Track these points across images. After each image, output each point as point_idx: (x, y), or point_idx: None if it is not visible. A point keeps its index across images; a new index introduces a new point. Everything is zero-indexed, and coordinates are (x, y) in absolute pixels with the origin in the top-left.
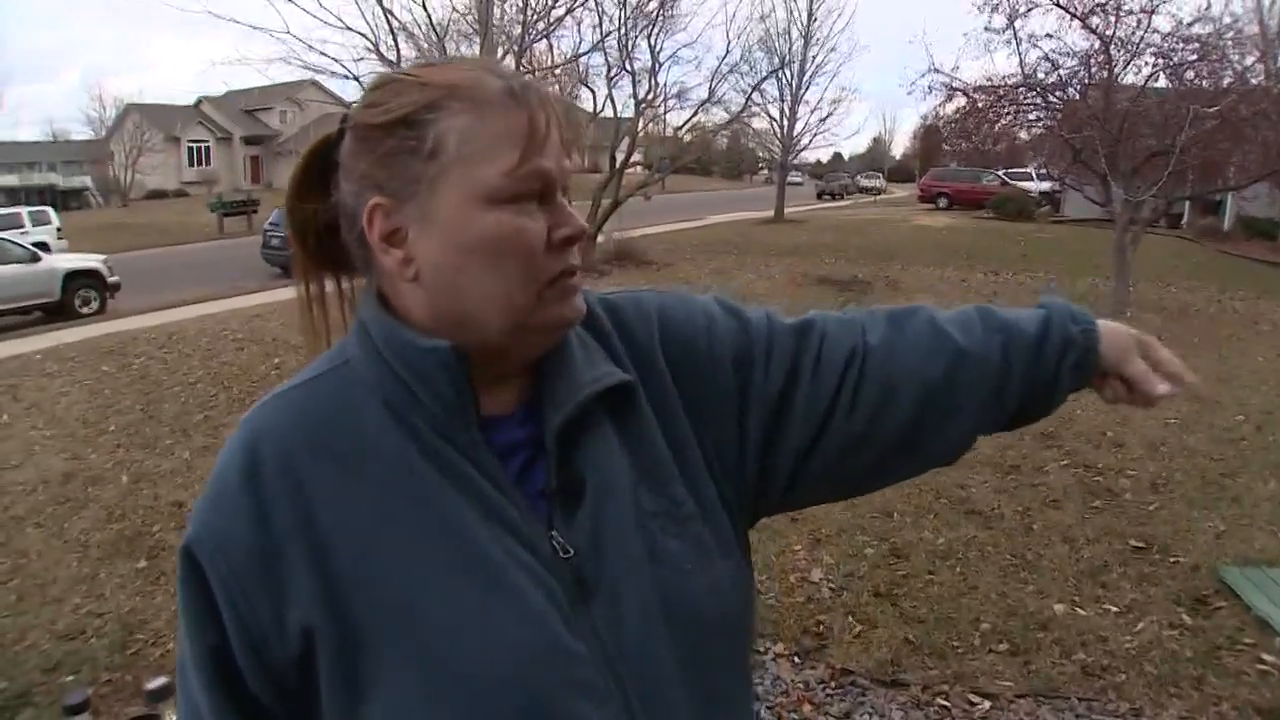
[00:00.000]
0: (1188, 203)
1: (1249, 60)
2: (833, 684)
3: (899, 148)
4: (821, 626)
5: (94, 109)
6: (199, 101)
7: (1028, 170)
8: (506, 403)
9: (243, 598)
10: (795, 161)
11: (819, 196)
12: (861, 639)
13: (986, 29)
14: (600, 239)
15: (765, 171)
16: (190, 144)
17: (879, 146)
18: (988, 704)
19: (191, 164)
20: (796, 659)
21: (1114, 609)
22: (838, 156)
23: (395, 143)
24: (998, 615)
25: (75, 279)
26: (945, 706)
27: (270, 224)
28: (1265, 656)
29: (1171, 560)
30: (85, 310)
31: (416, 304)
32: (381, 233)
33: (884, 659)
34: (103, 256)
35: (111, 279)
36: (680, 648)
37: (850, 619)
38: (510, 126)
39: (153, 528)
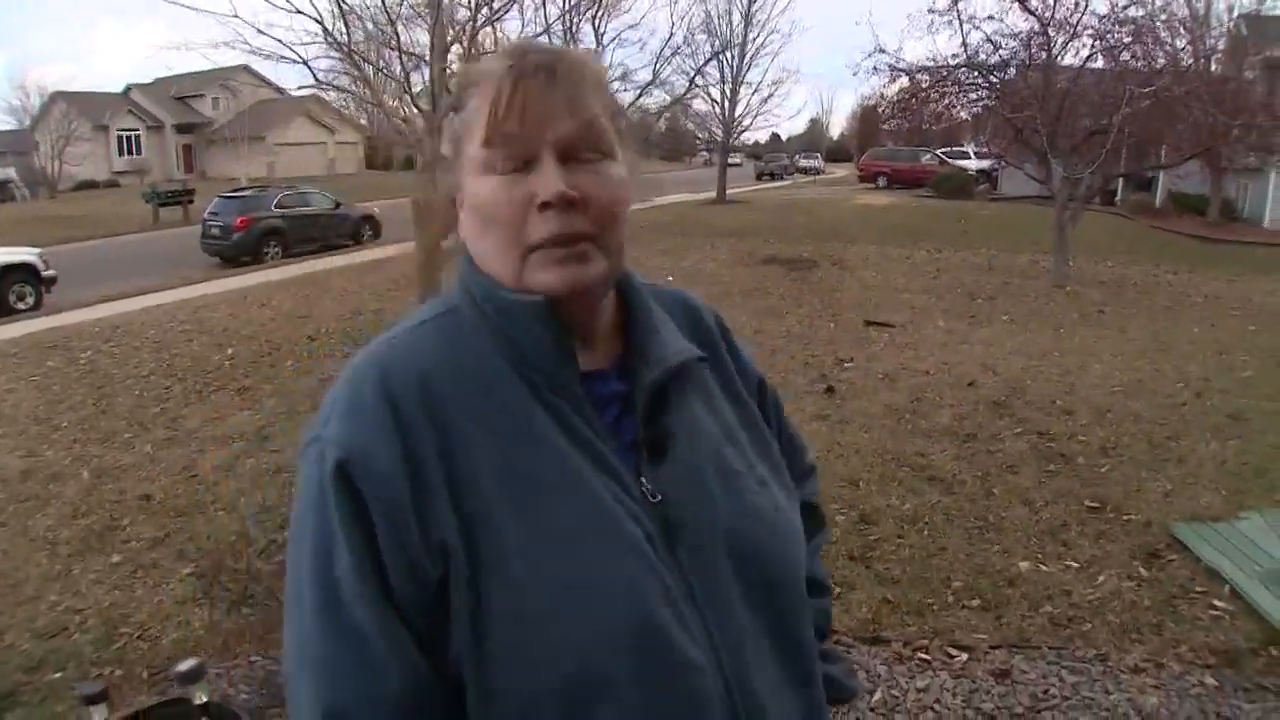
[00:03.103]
0: (1121, 180)
1: (1180, 43)
2: None
3: (836, 128)
4: None
5: (17, 98)
6: (128, 89)
7: (965, 149)
8: (599, 360)
9: (401, 516)
10: (734, 143)
11: (759, 178)
12: (841, 600)
13: (930, 10)
14: None
15: (705, 154)
16: (120, 133)
17: (817, 127)
18: (965, 655)
19: (122, 153)
20: None
21: (1075, 564)
22: (775, 137)
23: (450, 128)
24: (967, 574)
25: (9, 273)
26: (926, 660)
27: (210, 213)
28: (1216, 602)
29: (1125, 518)
30: (21, 306)
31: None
32: (459, 203)
33: (864, 618)
34: (37, 250)
35: (47, 273)
36: (755, 593)
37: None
38: (487, 97)
39: (122, 522)
